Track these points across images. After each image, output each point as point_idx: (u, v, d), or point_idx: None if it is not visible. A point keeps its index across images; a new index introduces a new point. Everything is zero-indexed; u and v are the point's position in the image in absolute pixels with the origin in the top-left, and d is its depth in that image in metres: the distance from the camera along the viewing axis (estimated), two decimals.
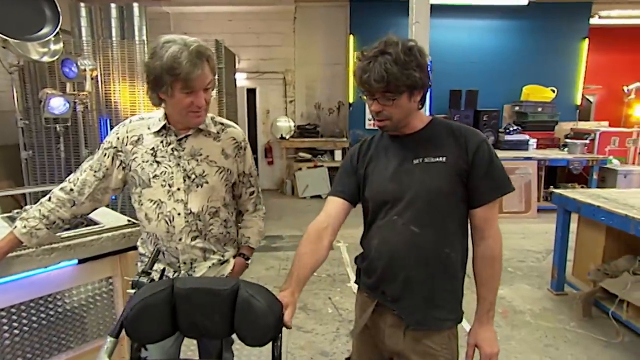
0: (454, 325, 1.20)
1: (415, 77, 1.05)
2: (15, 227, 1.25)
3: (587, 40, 6.47)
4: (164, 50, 1.14)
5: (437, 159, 1.13)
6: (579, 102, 6.71)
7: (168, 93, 1.19)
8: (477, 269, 1.17)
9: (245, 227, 1.50)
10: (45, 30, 2.62)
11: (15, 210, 1.72)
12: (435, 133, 1.17)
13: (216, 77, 1.28)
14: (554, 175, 6.08)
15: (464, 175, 1.12)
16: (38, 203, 1.31)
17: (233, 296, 0.92)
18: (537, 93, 6.27)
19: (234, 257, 1.45)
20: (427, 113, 4.43)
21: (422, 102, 1.16)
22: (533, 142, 5.96)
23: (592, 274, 2.87)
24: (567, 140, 5.95)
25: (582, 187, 5.47)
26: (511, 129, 5.98)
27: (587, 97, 7.31)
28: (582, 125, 6.48)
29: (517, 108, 6.34)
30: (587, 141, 5.74)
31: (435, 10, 4.56)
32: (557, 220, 3.17)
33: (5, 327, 1.31)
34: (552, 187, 5.52)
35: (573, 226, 3.15)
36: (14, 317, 1.33)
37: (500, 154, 5.57)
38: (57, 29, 2.66)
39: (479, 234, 1.16)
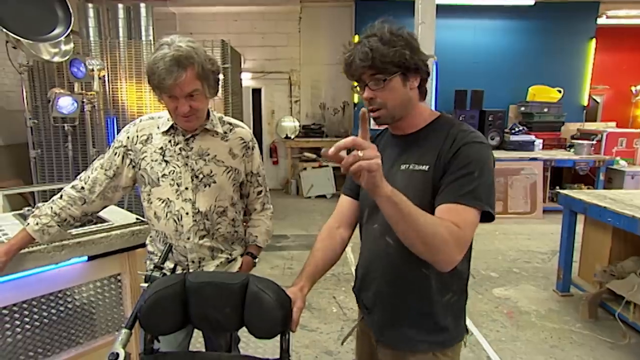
0: (436, 349, 1.04)
1: (405, 55, 0.94)
2: (28, 224, 1.27)
3: (594, 40, 6.43)
4: (155, 52, 1.16)
5: (421, 167, 0.99)
6: (585, 102, 6.67)
7: (156, 94, 1.21)
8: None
9: (252, 226, 1.52)
10: (57, 31, 2.65)
11: (26, 208, 1.74)
12: (433, 134, 1.02)
13: (220, 76, 1.29)
14: (559, 176, 6.05)
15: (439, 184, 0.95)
16: (50, 201, 1.33)
17: (243, 290, 0.93)
18: (543, 93, 6.24)
19: (242, 255, 1.46)
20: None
21: (423, 92, 1.04)
22: (539, 142, 5.93)
23: (599, 275, 2.85)
24: (574, 140, 5.92)
25: (588, 188, 5.43)
26: (517, 129, 5.96)
27: (594, 97, 7.27)
28: (589, 125, 6.44)
29: (522, 108, 6.31)
30: (594, 142, 5.71)
31: (441, 10, 4.54)
32: (563, 221, 3.15)
33: (18, 322, 1.34)
34: (557, 187, 5.49)
35: (579, 227, 3.14)
36: (26, 312, 1.36)
37: (506, 154, 5.58)
38: (69, 30, 2.69)
39: None
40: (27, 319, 1.36)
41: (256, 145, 1.45)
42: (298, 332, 2.68)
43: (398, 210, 0.81)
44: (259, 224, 1.52)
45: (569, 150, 5.90)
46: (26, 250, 1.31)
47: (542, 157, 5.47)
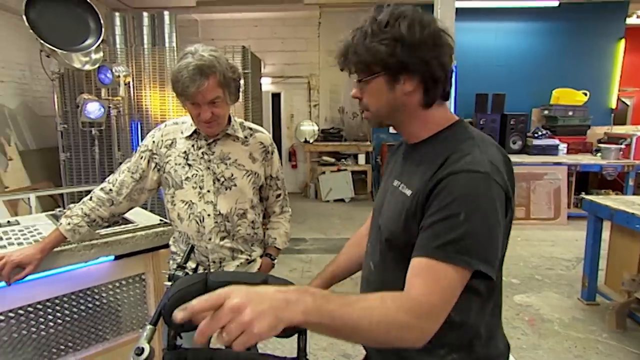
0: None
1: (382, 52, 0.76)
2: (61, 224, 1.34)
3: (623, 40, 6.23)
4: (179, 61, 1.22)
5: (405, 190, 0.82)
6: (613, 105, 6.46)
7: (180, 101, 1.27)
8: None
9: (272, 228, 1.55)
10: (89, 42, 2.84)
11: (58, 209, 1.83)
12: (438, 147, 0.81)
13: (241, 82, 1.33)
14: (586, 181, 5.88)
15: (417, 218, 0.77)
16: (80, 202, 1.40)
17: None
18: (568, 96, 6.09)
19: (261, 257, 1.50)
20: None
21: (428, 99, 0.81)
22: (563, 146, 5.78)
23: (627, 284, 2.76)
24: (600, 145, 5.74)
25: (616, 194, 5.25)
26: (540, 133, 5.83)
27: (624, 100, 7.03)
28: (618, 129, 6.24)
29: (546, 112, 6.17)
30: (623, 146, 5.52)
31: (462, 13, 4.47)
32: (588, 228, 3.07)
33: (50, 317, 1.41)
34: (583, 193, 5.33)
35: (605, 234, 3.05)
36: (58, 307, 1.43)
37: (529, 158, 5.47)
38: (100, 41, 2.87)
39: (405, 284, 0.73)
40: (58, 314, 1.43)
41: (275, 150, 1.49)
42: (316, 335, 2.69)
43: (325, 328, 0.63)
44: (277, 227, 1.55)
45: (596, 155, 5.73)
46: (58, 248, 1.37)
47: (566, 161, 5.33)
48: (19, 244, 1.42)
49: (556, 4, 5.83)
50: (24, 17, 2.56)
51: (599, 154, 5.62)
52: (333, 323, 0.62)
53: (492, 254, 0.71)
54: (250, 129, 1.45)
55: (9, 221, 1.69)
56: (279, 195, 1.54)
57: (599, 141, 5.97)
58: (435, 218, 0.72)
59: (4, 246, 1.39)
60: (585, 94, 6.09)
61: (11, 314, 1.33)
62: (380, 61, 0.77)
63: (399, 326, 0.66)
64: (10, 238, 1.48)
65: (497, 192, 0.72)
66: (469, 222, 0.69)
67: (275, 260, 1.52)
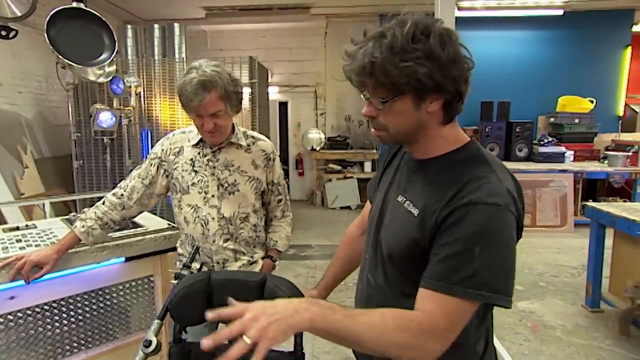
0: None
1: (418, 73, 0.70)
2: (76, 226, 1.43)
3: (629, 48, 6.24)
4: (184, 75, 1.31)
5: (411, 209, 0.80)
6: (621, 112, 6.45)
7: (186, 112, 1.36)
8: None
9: (273, 231, 1.62)
10: (103, 57, 3.00)
11: (72, 214, 1.93)
12: (446, 169, 0.79)
13: (243, 94, 1.40)
14: (594, 189, 5.85)
15: (426, 241, 0.76)
16: (94, 206, 1.49)
17: (261, 287, 1.03)
18: (574, 104, 6.10)
19: (262, 258, 1.57)
20: None
21: (448, 116, 0.78)
22: (570, 154, 5.77)
23: (630, 291, 2.76)
24: (607, 152, 5.73)
25: (624, 202, 5.22)
26: (546, 140, 5.83)
27: (633, 107, 6.99)
28: (625, 136, 6.21)
29: (552, 119, 6.18)
30: (630, 153, 5.49)
31: (465, 21, 4.57)
32: (591, 234, 3.08)
33: (65, 315, 1.50)
34: (591, 200, 5.31)
35: (609, 242, 3.05)
36: (71, 306, 1.51)
37: (534, 166, 5.48)
38: (113, 56, 3.04)
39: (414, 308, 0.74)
40: (72, 313, 1.51)
41: (277, 157, 1.57)
42: (319, 338, 2.73)
43: (331, 334, 0.67)
44: (279, 230, 1.62)
45: (603, 162, 5.71)
46: (73, 250, 1.46)
47: (572, 169, 5.32)
48: (36, 245, 1.52)
49: (560, 12, 5.88)
50: (45, 36, 2.71)
51: (605, 162, 5.60)
52: (337, 332, 0.67)
53: (507, 284, 0.71)
54: (253, 137, 1.53)
55: (27, 225, 1.79)
56: (280, 200, 1.61)
57: (607, 148, 5.96)
58: (450, 251, 0.71)
59: (23, 247, 1.49)
60: (592, 102, 6.10)
61: (29, 312, 1.42)
62: (416, 82, 0.71)
63: (396, 344, 0.68)
64: (28, 240, 1.58)
65: (512, 222, 0.73)
66: (485, 255, 0.69)
67: (277, 262, 1.59)
